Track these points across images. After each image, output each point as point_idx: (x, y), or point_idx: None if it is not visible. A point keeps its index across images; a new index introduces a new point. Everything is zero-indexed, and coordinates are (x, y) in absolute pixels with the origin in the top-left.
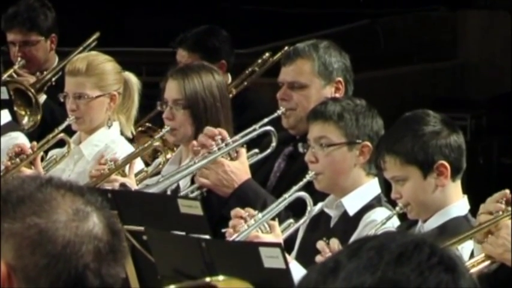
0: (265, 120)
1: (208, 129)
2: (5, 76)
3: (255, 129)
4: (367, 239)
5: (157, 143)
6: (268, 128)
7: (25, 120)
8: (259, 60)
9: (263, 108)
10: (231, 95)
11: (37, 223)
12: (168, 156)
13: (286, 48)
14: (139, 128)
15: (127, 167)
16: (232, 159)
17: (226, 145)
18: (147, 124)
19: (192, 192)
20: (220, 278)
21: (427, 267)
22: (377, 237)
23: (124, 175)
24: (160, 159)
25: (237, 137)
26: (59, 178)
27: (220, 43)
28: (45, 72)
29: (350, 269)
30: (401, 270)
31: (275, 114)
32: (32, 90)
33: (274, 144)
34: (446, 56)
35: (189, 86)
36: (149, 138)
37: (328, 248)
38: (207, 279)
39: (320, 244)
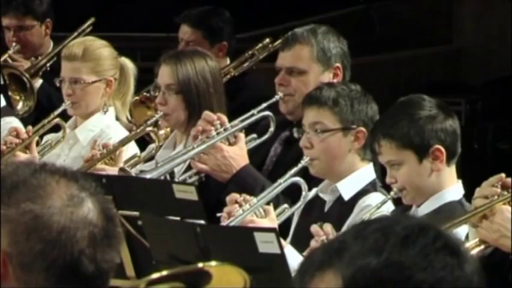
0: (264, 105)
1: (207, 114)
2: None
3: (253, 114)
4: (372, 221)
5: (149, 128)
6: (267, 113)
7: (20, 105)
8: (260, 45)
9: (259, 92)
10: (229, 76)
11: (32, 209)
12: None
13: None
14: (136, 98)
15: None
16: (230, 144)
17: (225, 130)
18: (145, 93)
19: (190, 177)
20: (213, 263)
21: (432, 251)
22: (383, 219)
23: (112, 164)
24: (153, 145)
25: (235, 122)
26: (53, 164)
27: (223, 23)
28: (40, 57)
29: (355, 250)
30: (406, 253)
31: (273, 99)
32: (27, 75)
33: (272, 129)
34: (442, 41)
35: (182, 71)
36: (146, 108)
37: (322, 231)
38: (200, 264)
39: (314, 228)
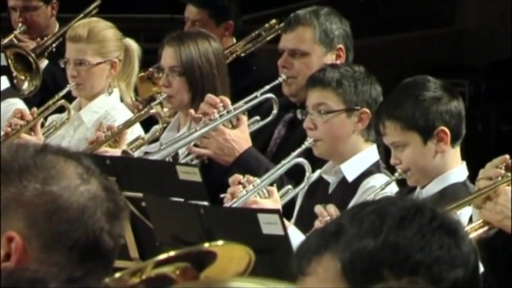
0: (267, 87)
1: (210, 96)
2: (5, 41)
3: (256, 97)
4: (368, 203)
5: (153, 110)
6: (270, 95)
7: (25, 84)
8: (266, 25)
9: (262, 73)
10: (234, 55)
11: (48, 190)
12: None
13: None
14: (142, 74)
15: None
16: (233, 126)
17: (228, 113)
18: (150, 69)
19: (192, 160)
20: (220, 243)
21: (428, 231)
22: (378, 201)
23: (116, 146)
24: (157, 126)
25: (238, 105)
26: (51, 145)
27: (229, 2)
28: (45, 38)
29: (352, 233)
30: (403, 234)
31: (276, 82)
32: (33, 55)
33: (275, 111)
34: (445, 22)
35: (185, 53)
36: (151, 84)
37: (326, 212)
38: (206, 244)
39: (318, 208)
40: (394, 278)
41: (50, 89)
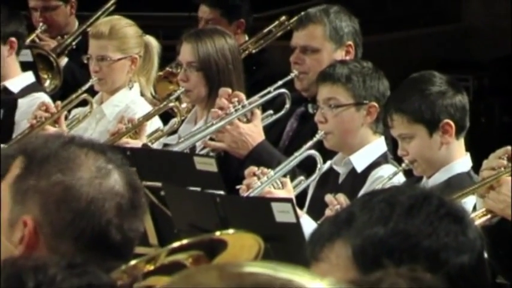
0: (280, 82)
1: (225, 91)
2: (27, 41)
3: (269, 92)
4: (378, 192)
5: (172, 104)
6: (282, 90)
7: (47, 83)
8: (276, 22)
9: (275, 68)
10: (247, 52)
11: (62, 180)
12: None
13: (302, 13)
14: (159, 73)
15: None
16: (248, 120)
17: (243, 107)
18: (168, 69)
19: (209, 152)
20: (230, 231)
21: (436, 218)
22: (387, 190)
23: (136, 138)
24: (175, 119)
25: (252, 99)
26: (81, 137)
27: (240, 1)
28: (65, 36)
29: (363, 220)
30: (412, 222)
31: (289, 77)
32: (53, 55)
33: (288, 106)
34: (451, 19)
35: (202, 49)
36: (168, 83)
37: (335, 200)
38: (217, 233)
39: (328, 197)
40: (403, 264)
41: (70, 85)
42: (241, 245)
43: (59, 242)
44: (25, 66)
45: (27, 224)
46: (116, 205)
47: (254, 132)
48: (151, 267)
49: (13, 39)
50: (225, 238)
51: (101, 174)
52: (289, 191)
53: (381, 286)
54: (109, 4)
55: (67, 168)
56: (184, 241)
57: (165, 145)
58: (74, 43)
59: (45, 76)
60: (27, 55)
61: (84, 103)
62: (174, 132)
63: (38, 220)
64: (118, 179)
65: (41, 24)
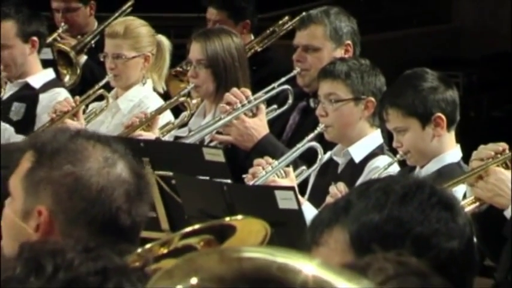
0: (283, 79)
1: (234, 89)
2: (50, 39)
3: (274, 88)
4: (374, 181)
5: (183, 98)
6: (286, 86)
7: (66, 78)
8: (280, 22)
9: (279, 65)
10: (253, 51)
11: (72, 171)
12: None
13: (304, 14)
14: (170, 70)
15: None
16: (253, 114)
17: (249, 102)
18: (178, 68)
19: (218, 144)
20: (239, 217)
21: (428, 206)
22: (383, 179)
23: (149, 130)
24: (186, 113)
25: (257, 95)
26: (86, 130)
27: (246, 3)
28: (85, 36)
29: (360, 208)
30: (405, 209)
31: (291, 74)
32: (73, 52)
33: (290, 101)
34: (442, 20)
35: (211, 48)
36: (179, 81)
37: (337, 192)
38: (227, 218)
39: (332, 189)
40: (396, 249)
41: (88, 81)
42: (249, 230)
43: (73, 229)
44: (46, 64)
45: (41, 214)
46: (124, 192)
47: (259, 126)
48: (165, 251)
49: (35, 38)
50: (234, 223)
51: (108, 164)
52: (292, 180)
53: (370, 270)
54: (126, 6)
55: (76, 160)
56: (196, 226)
57: (176, 137)
58: (92, 42)
59: (65, 71)
60: (47, 53)
61: (100, 98)
62: (184, 125)
63: (51, 209)
64: (124, 168)
65: (62, 24)
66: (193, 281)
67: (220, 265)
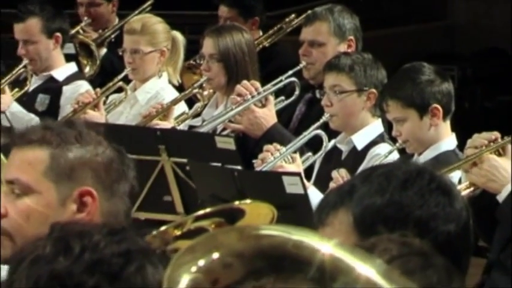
0: (290, 72)
1: (244, 82)
2: (73, 31)
3: (281, 80)
4: (377, 167)
5: (196, 90)
6: (293, 79)
7: (87, 68)
8: (286, 19)
9: (286, 60)
10: (261, 46)
11: (102, 151)
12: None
13: (309, 12)
14: (185, 64)
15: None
16: (262, 105)
17: (258, 94)
18: (191, 62)
19: (230, 133)
20: (248, 201)
21: (427, 191)
22: (385, 165)
23: (165, 119)
24: (199, 104)
25: (266, 87)
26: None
27: (255, 2)
28: (106, 30)
29: (363, 192)
30: (406, 194)
31: (298, 67)
32: (94, 44)
33: (297, 92)
34: (438, 17)
35: (222, 43)
36: (193, 74)
37: (340, 178)
38: (236, 202)
39: (334, 173)
40: (396, 231)
41: (108, 73)
42: (257, 213)
43: (112, 203)
44: (68, 58)
45: (85, 194)
46: (130, 163)
47: (268, 116)
48: (178, 232)
49: (58, 34)
50: (243, 207)
51: (105, 145)
52: (298, 166)
53: (375, 250)
54: (146, 5)
55: (97, 142)
56: (208, 209)
57: (190, 126)
58: (112, 36)
59: (85, 62)
60: (70, 48)
61: (120, 90)
62: (197, 115)
63: (94, 188)
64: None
65: (85, 18)
66: (215, 256)
67: (239, 242)
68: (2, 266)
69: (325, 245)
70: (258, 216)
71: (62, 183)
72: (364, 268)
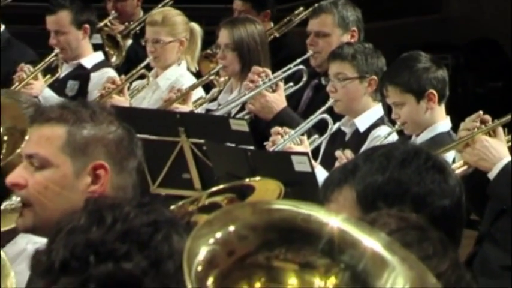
0: (298, 60)
1: (255, 68)
2: (101, 24)
3: (290, 68)
4: (378, 148)
5: (212, 77)
6: (300, 66)
7: (113, 58)
8: (295, 12)
9: (295, 49)
10: (272, 36)
11: (114, 129)
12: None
13: (316, 5)
14: (201, 53)
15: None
16: (273, 91)
17: (269, 80)
18: (208, 51)
19: (243, 116)
20: (257, 178)
21: (424, 169)
22: (385, 146)
23: (184, 103)
24: (215, 89)
25: (276, 74)
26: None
27: None
28: (131, 23)
29: (365, 170)
30: (404, 172)
31: (305, 56)
32: (120, 36)
33: (305, 79)
34: (434, 10)
35: (237, 34)
36: (209, 62)
37: (343, 155)
38: (246, 179)
39: (337, 153)
40: (395, 206)
41: (133, 62)
42: (266, 189)
43: (121, 176)
44: (95, 47)
45: (99, 168)
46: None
47: (278, 100)
48: (194, 207)
49: (86, 25)
50: (253, 184)
51: (116, 125)
52: (306, 147)
53: (375, 224)
54: (167, 0)
55: (109, 121)
56: (221, 186)
57: (207, 110)
58: (137, 28)
59: (112, 52)
60: (97, 38)
61: (142, 77)
62: (214, 99)
63: (106, 162)
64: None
65: (112, 12)
66: (231, 228)
67: (253, 216)
68: (23, 234)
69: (332, 219)
70: (266, 191)
71: (77, 158)
72: (370, 241)
